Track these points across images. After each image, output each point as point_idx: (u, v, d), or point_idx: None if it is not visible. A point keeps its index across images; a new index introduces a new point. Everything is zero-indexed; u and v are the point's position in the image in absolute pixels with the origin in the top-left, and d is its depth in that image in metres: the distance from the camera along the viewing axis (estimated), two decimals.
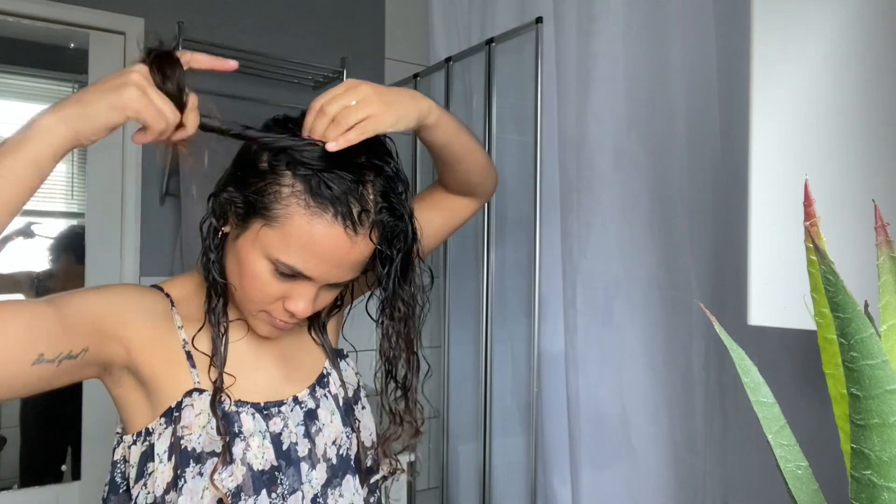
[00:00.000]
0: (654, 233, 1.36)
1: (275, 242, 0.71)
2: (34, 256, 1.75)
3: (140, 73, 0.65)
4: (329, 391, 0.87)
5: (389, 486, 0.95)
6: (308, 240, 0.71)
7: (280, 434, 0.79)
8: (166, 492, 0.73)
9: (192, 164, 0.76)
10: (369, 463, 0.86)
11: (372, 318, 0.85)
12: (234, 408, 0.76)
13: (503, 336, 1.71)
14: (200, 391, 0.76)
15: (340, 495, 0.83)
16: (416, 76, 1.96)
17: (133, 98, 0.63)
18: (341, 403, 0.87)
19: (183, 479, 0.72)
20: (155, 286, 0.81)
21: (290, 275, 0.73)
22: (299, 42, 2.02)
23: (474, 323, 1.78)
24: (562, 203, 1.53)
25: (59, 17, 1.66)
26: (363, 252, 0.74)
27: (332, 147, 0.70)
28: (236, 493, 0.73)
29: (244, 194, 0.73)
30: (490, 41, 1.66)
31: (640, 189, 1.38)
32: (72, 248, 1.77)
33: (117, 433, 0.80)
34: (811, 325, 0.46)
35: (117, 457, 0.78)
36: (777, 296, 0.76)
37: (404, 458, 0.91)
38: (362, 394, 0.91)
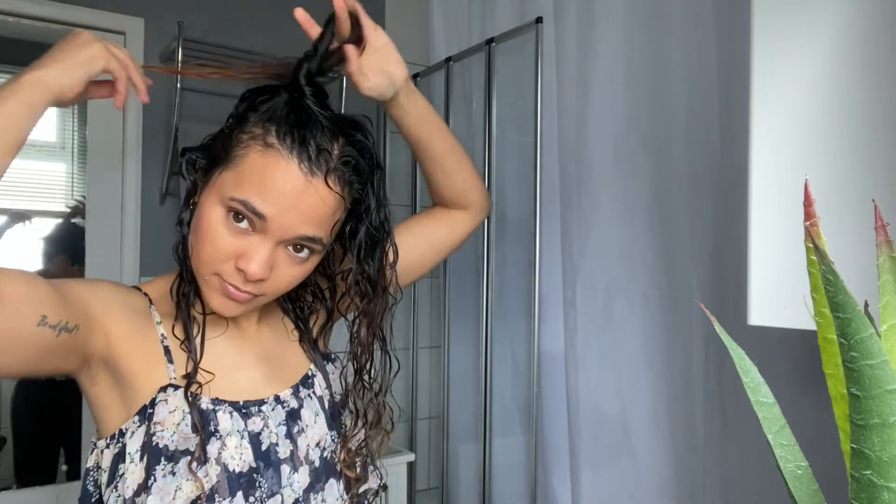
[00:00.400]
0: (653, 233, 1.36)
1: (230, 182, 0.71)
2: (30, 257, 1.74)
3: (89, 33, 0.73)
4: (314, 392, 0.84)
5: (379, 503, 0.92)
6: (260, 172, 0.70)
7: (259, 434, 0.76)
8: (137, 494, 0.69)
9: None
10: (358, 470, 0.83)
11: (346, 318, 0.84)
12: (210, 406, 0.74)
13: (503, 336, 1.71)
14: (176, 387, 0.73)
15: (323, 500, 0.80)
16: (416, 76, 1.96)
17: (101, 50, 0.73)
18: (327, 406, 0.84)
19: (153, 478, 0.69)
20: (134, 287, 0.81)
21: (243, 221, 0.71)
22: (299, 42, 2.01)
23: (474, 323, 1.78)
24: (562, 203, 1.53)
25: (60, 17, 1.65)
26: (323, 201, 0.72)
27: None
28: (210, 496, 0.70)
29: (209, 153, 0.75)
30: (490, 41, 1.66)
31: (640, 189, 1.38)
32: (69, 250, 1.76)
33: (92, 442, 0.77)
34: (811, 325, 0.46)
35: (90, 464, 0.75)
36: (777, 296, 0.76)
37: (404, 458, 0.90)
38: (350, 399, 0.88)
